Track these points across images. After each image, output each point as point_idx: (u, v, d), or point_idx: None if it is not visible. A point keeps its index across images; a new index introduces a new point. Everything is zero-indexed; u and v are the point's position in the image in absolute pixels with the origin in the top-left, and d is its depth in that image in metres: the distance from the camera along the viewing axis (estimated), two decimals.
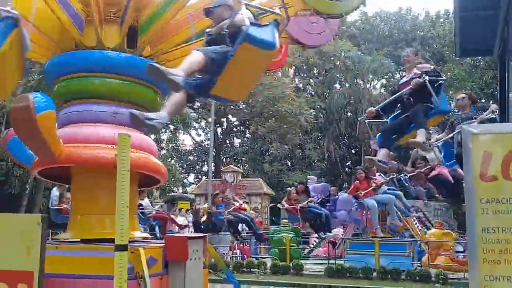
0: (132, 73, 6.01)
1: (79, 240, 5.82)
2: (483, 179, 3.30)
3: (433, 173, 10.60)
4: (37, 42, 6.27)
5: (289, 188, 16.89)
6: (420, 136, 6.85)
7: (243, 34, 4.82)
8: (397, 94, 7.37)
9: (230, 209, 16.62)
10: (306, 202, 15.29)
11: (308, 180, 19.53)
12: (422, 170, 10.94)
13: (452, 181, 10.13)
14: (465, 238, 17.15)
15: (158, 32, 6.29)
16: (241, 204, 17.87)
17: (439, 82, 6.95)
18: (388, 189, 14.44)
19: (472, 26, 10.05)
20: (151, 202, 18.67)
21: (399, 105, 7.53)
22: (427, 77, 6.77)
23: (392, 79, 39.65)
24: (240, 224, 17.29)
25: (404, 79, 7.59)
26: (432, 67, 7.37)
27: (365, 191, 13.84)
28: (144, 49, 6.38)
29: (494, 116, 8.36)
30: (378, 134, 7.84)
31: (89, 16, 5.98)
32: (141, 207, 16.75)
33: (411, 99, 7.09)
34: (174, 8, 6.12)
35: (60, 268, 5.18)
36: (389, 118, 7.76)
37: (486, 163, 3.30)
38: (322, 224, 14.80)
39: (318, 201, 16.21)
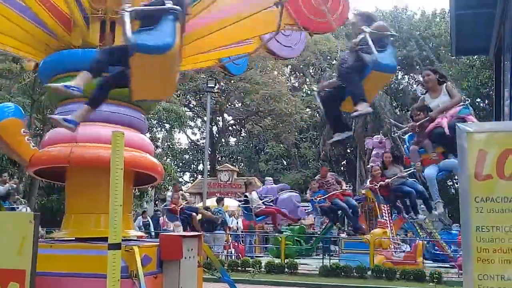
0: None
1: (74, 238, 5.81)
2: (478, 178, 3.30)
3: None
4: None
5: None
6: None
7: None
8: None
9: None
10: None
11: (265, 181, 19.57)
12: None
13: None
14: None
15: None
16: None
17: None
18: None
19: (468, 24, 10.04)
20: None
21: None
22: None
23: None
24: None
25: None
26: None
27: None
28: None
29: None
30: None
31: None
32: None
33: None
34: None
35: (54, 267, 5.18)
36: None
37: (481, 161, 3.29)
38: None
39: (270, 201, 16.87)
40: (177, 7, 4.69)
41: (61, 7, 5.98)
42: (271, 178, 20.26)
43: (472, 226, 3.27)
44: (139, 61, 4.61)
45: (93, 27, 6.07)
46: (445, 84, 6.79)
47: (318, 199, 14.69)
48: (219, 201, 17.74)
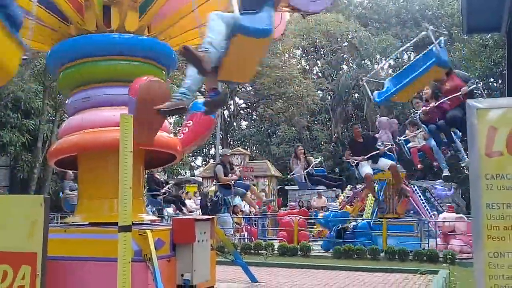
0: (138, 53, 6.01)
1: (87, 223, 5.86)
2: (488, 155, 3.26)
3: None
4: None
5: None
6: None
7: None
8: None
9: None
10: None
11: None
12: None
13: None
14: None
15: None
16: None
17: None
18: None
19: (479, 2, 9.90)
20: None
21: None
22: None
23: (399, 60, 39.28)
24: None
25: None
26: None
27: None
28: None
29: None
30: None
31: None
32: None
33: None
34: None
35: (68, 251, 5.24)
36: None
37: (491, 138, 3.25)
38: None
39: None
40: None
41: None
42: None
43: (483, 203, 3.24)
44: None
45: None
46: None
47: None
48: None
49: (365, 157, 12.67)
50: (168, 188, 16.19)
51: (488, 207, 3.23)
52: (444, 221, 14.41)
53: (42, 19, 6.14)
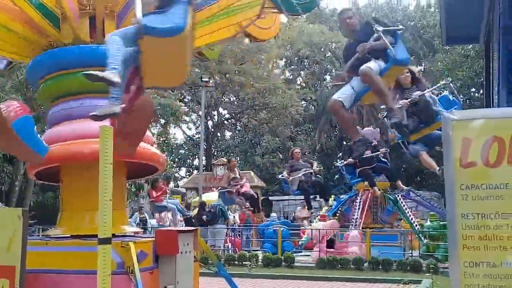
0: None
1: (69, 236, 5.80)
2: (463, 165, 3.30)
3: None
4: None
5: None
6: None
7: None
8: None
9: None
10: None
11: None
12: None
13: None
14: None
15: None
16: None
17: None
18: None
19: (458, 14, 10.02)
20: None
21: None
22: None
23: None
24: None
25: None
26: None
27: None
28: None
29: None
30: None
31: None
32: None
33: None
34: None
35: (49, 264, 5.17)
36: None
37: (465, 149, 3.30)
38: None
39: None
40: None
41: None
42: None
43: (458, 213, 3.28)
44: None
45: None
46: None
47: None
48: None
49: None
50: None
51: (464, 217, 3.27)
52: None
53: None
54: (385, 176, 15.39)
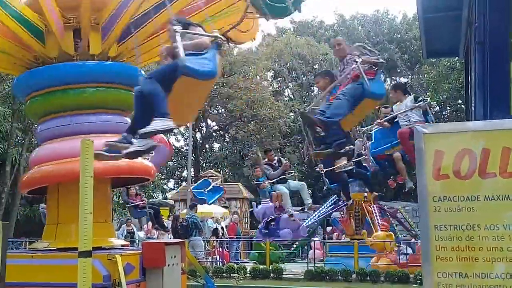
0: (103, 79, 6.02)
1: (55, 249, 5.80)
2: (435, 178, 3.37)
3: None
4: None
5: None
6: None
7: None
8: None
9: None
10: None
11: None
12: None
13: None
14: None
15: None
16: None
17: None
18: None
19: (437, 27, 10.10)
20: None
21: None
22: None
23: None
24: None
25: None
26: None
27: None
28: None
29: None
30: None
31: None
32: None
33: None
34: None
35: (35, 277, 5.18)
36: None
37: (438, 162, 3.37)
38: None
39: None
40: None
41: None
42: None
43: (431, 225, 3.35)
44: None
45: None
46: None
47: None
48: (192, 207, 17.44)
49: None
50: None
51: (436, 229, 3.34)
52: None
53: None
54: (364, 183, 15.51)
